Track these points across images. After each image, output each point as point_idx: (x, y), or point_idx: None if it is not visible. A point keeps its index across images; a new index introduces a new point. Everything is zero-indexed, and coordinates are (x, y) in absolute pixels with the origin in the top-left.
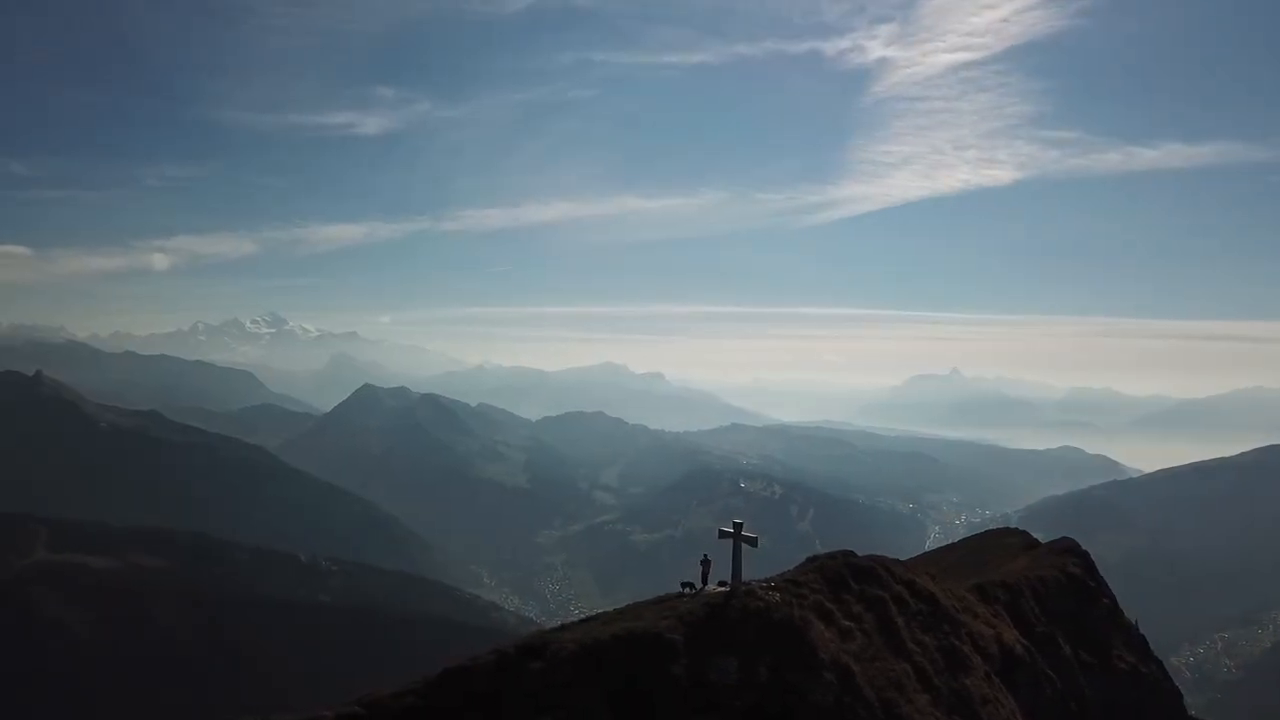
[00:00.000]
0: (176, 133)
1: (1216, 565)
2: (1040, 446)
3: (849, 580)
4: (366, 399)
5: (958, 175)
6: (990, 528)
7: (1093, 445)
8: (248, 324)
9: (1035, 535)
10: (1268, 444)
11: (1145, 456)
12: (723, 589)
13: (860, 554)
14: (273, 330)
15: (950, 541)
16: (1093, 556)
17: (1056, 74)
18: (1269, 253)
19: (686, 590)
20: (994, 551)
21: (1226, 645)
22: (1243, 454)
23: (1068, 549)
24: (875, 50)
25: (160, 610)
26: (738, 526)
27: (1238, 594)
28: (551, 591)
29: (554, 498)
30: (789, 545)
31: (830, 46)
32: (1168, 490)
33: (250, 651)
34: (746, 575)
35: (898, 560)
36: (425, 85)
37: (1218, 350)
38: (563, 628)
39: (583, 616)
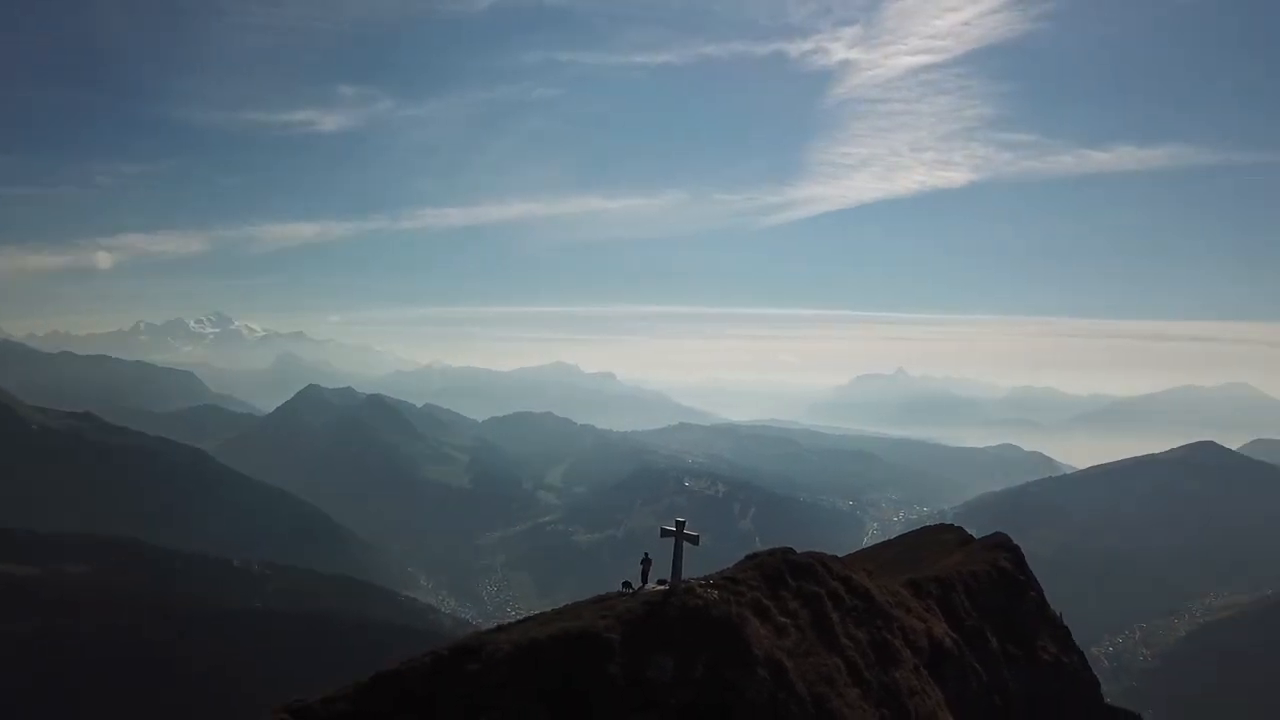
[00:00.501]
0: (130, 129)
1: (1144, 558)
2: (982, 445)
3: (786, 577)
4: (311, 399)
5: (914, 177)
6: (927, 524)
7: (1033, 443)
8: (192, 324)
9: (971, 531)
10: (1195, 441)
11: (1084, 453)
12: (662, 587)
13: (799, 551)
14: (217, 330)
15: (887, 538)
16: (1026, 551)
17: (1017, 77)
18: (1207, 255)
19: (626, 589)
20: (929, 547)
21: (1145, 635)
22: (1170, 451)
23: (999, 544)
24: (839, 52)
25: (85, 619)
26: (679, 525)
27: (1164, 586)
28: (489, 593)
29: (497, 499)
30: (730, 543)
31: (795, 48)
32: (1099, 486)
33: (179, 659)
34: (687, 574)
35: (836, 557)
36: (388, 83)
37: (1155, 350)
38: (500, 629)
39: (520, 618)
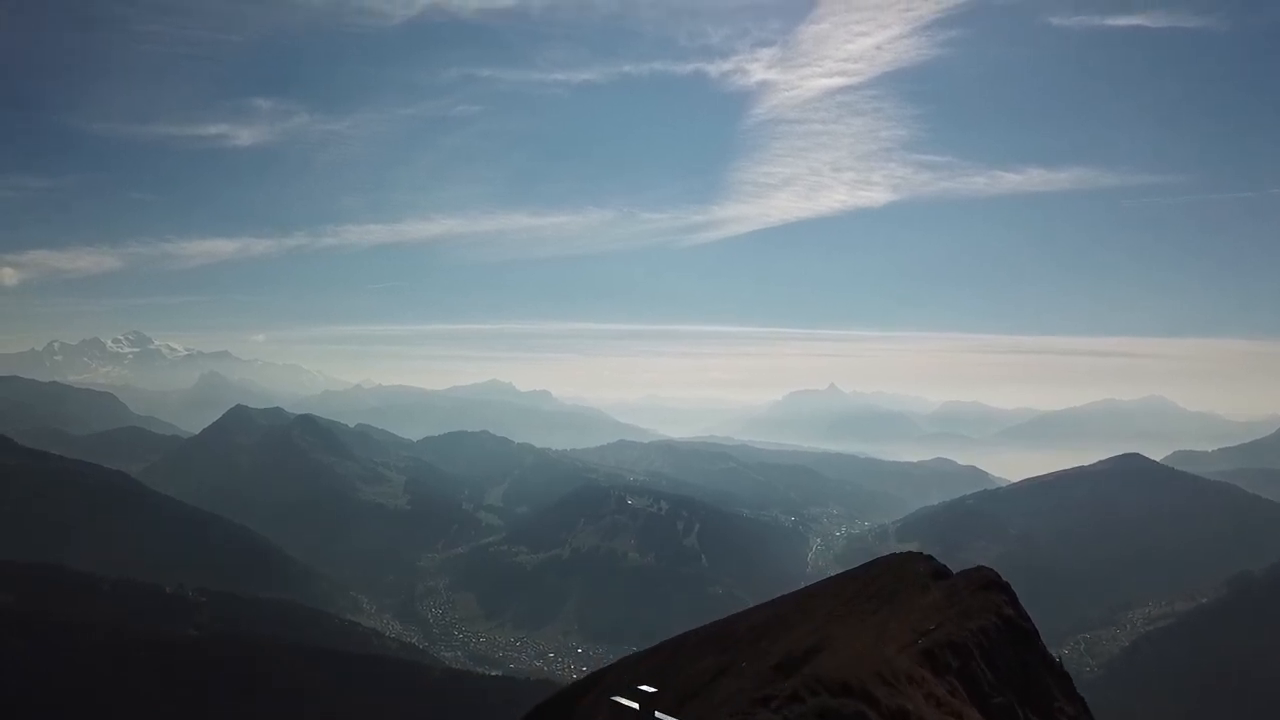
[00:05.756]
0: (33, 141)
1: (1079, 569)
2: (915, 459)
3: None
4: (239, 420)
5: (835, 196)
6: (869, 539)
7: (966, 457)
8: (109, 343)
9: (914, 545)
10: (1121, 453)
11: (1012, 466)
12: None
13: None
14: (136, 349)
15: (831, 552)
16: (966, 565)
17: (926, 100)
18: (1118, 272)
19: None
20: (901, 582)
21: (1089, 645)
22: (1099, 462)
23: (990, 581)
24: (757, 73)
25: (12, 649)
26: (649, 703)
27: (1098, 596)
28: (435, 616)
29: (437, 519)
30: (676, 560)
31: (714, 68)
32: (1033, 498)
33: (108, 689)
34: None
35: (876, 675)
36: (304, 97)
37: (1075, 364)
38: None
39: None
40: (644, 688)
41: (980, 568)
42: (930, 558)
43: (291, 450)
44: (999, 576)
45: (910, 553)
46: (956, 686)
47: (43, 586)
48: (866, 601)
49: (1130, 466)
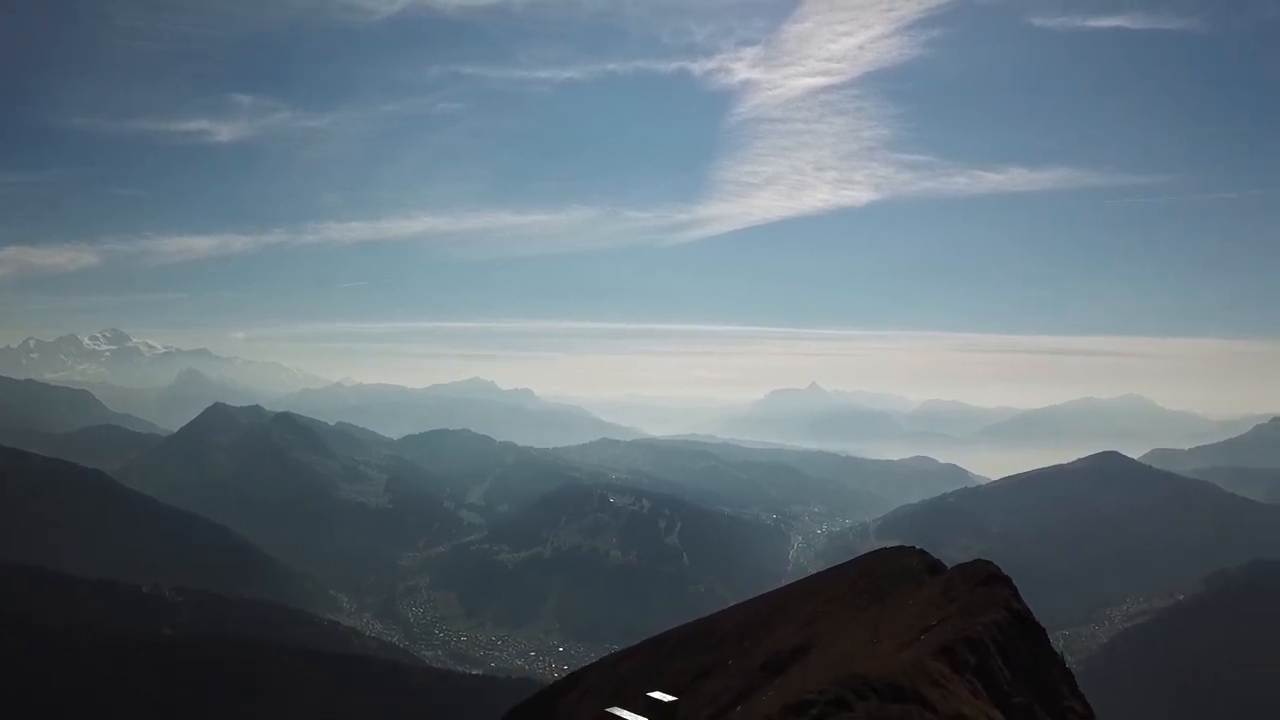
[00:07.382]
0: (10, 136)
1: (1057, 566)
2: (895, 457)
3: None
4: (217, 418)
5: (818, 195)
6: (850, 537)
7: (944, 455)
8: (85, 340)
9: (894, 543)
10: (1100, 451)
11: (992, 465)
12: None
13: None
14: (114, 347)
15: (812, 550)
16: (949, 561)
17: (908, 99)
18: (1099, 272)
19: None
20: (894, 576)
21: (1068, 642)
22: (1078, 461)
23: (991, 575)
24: (741, 72)
25: None
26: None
27: (1078, 593)
28: (415, 615)
29: (418, 518)
30: (657, 558)
31: (698, 67)
32: (1012, 496)
33: (90, 691)
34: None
35: (922, 673)
36: (285, 93)
37: (1055, 363)
38: None
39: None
40: (657, 694)
41: (978, 561)
42: (923, 552)
43: (271, 448)
44: (999, 570)
45: (902, 547)
46: (977, 686)
47: (17, 588)
48: (857, 598)
49: (1108, 465)
